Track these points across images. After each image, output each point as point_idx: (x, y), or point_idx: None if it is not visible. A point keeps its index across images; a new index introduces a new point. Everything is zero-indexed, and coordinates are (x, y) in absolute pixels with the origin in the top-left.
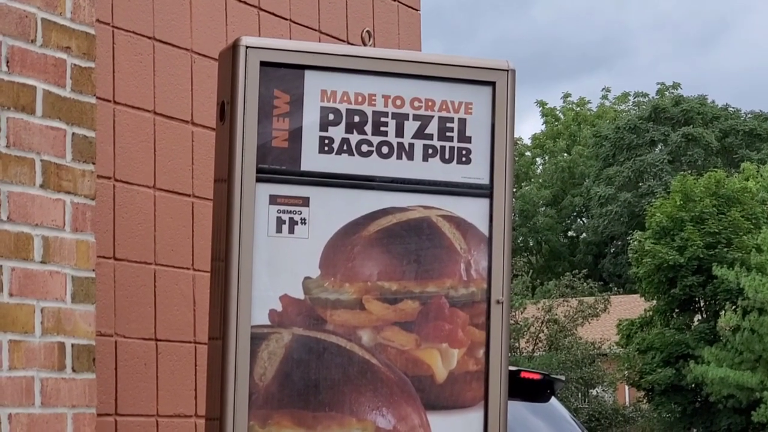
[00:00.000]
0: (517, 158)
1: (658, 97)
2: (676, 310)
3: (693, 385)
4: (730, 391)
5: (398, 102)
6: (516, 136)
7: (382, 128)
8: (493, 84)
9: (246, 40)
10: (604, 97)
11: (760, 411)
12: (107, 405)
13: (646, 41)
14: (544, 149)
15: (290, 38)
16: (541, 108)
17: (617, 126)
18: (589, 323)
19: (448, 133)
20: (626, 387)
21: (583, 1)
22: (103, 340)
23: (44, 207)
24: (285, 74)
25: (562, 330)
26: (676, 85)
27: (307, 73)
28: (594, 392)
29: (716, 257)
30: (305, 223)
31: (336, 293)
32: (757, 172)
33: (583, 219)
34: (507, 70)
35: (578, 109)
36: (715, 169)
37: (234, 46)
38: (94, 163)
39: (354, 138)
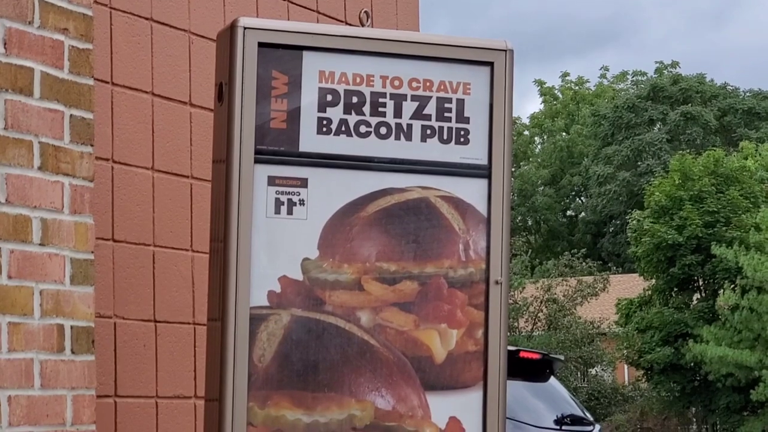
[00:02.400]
0: (515, 138)
1: (656, 75)
2: (675, 289)
3: (692, 364)
4: (729, 369)
5: (396, 83)
6: (514, 115)
7: (381, 109)
8: (491, 64)
9: (244, 21)
10: (603, 76)
11: (759, 390)
12: (107, 386)
13: (658, 16)
14: (542, 128)
15: (288, 19)
16: (539, 87)
17: (616, 105)
18: (588, 302)
19: (446, 114)
20: (625, 366)
21: None
22: (102, 321)
23: (43, 189)
24: (283, 55)
25: (561, 309)
26: (674, 64)
27: (305, 54)
28: (593, 371)
29: (715, 236)
30: (304, 204)
31: (335, 274)
32: (756, 150)
33: (582, 198)
34: (505, 50)
35: (577, 88)
36: (714, 148)
37: (232, 27)
38: (92, 145)
39: (352, 119)
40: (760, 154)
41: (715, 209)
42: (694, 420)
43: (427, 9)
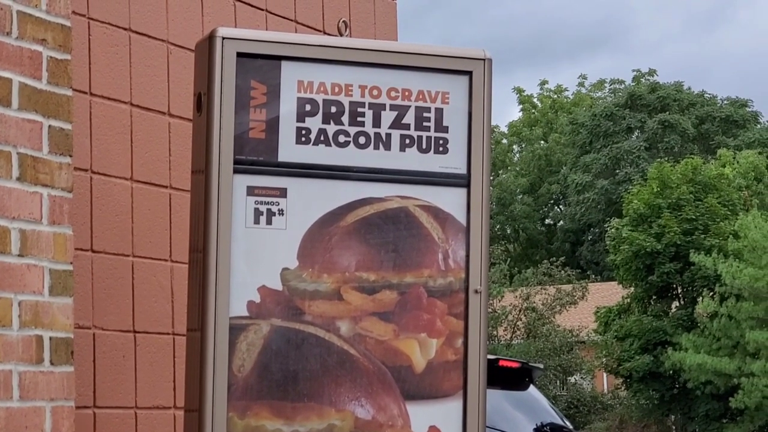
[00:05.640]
0: (493, 146)
1: (634, 84)
2: (654, 297)
3: (671, 372)
4: (708, 377)
5: (375, 92)
6: (493, 124)
7: (359, 118)
8: (469, 73)
9: (222, 31)
10: (581, 84)
11: (738, 397)
12: (86, 397)
13: (650, 20)
14: (520, 137)
15: (266, 29)
16: (518, 95)
17: (594, 113)
18: (567, 311)
19: (425, 123)
20: (604, 374)
21: None
22: (81, 332)
23: (21, 200)
24: (261, 65)
25: (540, 318)
26: (652, 72)
27: (284, 64)
28: (572, 380)
29: (693, 244)
30: (283, 214)
31: (314, 284)
32: (734, 158)
33: (561, 207)
34: (483, 59)
35: (555, 96)
36: (692, 156)
37: (210, 37)
38: (70, 156)
39: (331, 128)
40: (738, 162)
41: (694, 217)
42: (674, 428)
43: (418, 14)
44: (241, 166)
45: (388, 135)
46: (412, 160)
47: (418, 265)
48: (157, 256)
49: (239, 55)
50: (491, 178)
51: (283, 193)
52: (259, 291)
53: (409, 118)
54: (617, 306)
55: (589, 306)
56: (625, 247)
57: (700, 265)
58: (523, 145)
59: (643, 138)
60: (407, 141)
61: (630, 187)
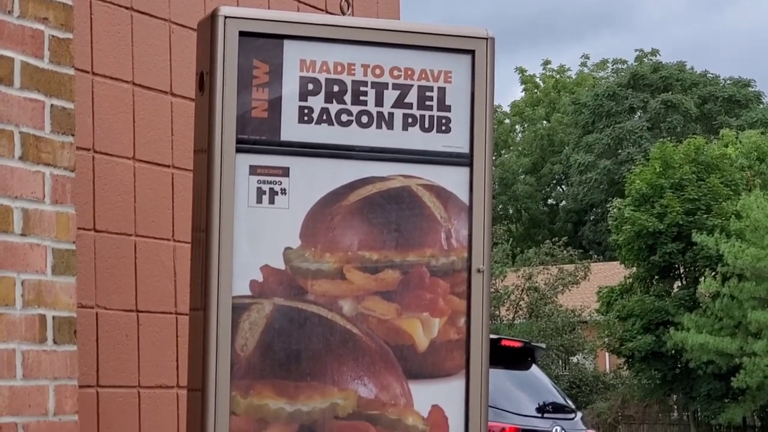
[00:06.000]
0: (496, 126)
1: (636, 63)
2: (656, 277)
3: (673, 352)
4: (710, 357)
5: (377, 71)
6: (496, 103)
7: (362, 98)
8: (472, 52)
9: (224, 10)
10: (583, 64)
11: (740, 377)
12: (89, 377)
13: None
14: (523, 117)
15: (269, 8)
16: (520, 75)
17: (596, 93)
18: (570, 291)
19: (427, 102)
20: (606, 354)
21: None
22: (84, 311)
23: (24, 179)
24: (264, 44)
25: (542, 298)
26: (654, 52)
27: (286, 43)
28: (574, 359)
29: (696, 224)
30: (285, 194)
31: (317, 263)
32: (736, 138)
33: (563, 187)
34: (486, 38)
35: (558, 76)
36: (695, 136)
37: (212, 16)
38: (73, 135)
39: (333, 107)
40: (740, 142)
41: (696, 197)
42: (675, 407)
43: None
44: (244, 146)
45: (391, 114)
46: (415, 139)
47: (421, 244)
48: (160, 236)
49: (241, 34)
50: (494, 157)
51: (285, 172)
52: (262, 270)
53: (412, 97)
54: (619, 286)
55: (591, 286)
56: (628, 227)
57: (702, 245)
58: (526, 125)
59: (645, 118)
60: (410, 120)
61: (632, 167)
